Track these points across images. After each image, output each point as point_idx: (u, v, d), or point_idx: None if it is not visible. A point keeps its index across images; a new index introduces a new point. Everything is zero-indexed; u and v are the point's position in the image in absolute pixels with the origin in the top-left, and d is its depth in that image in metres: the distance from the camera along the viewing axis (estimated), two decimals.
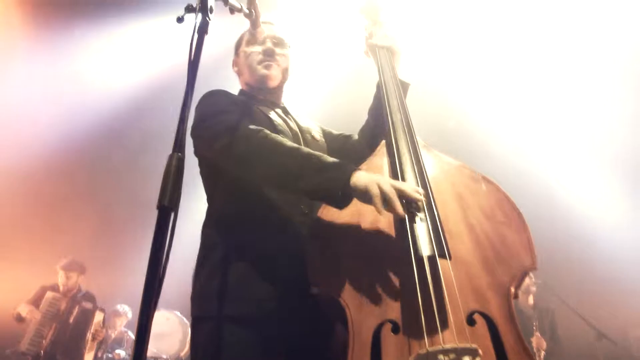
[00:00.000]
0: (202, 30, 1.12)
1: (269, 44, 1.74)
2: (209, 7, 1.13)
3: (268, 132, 1.45)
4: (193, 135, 1.55)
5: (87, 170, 5.77)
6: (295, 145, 1.41)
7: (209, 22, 1.14)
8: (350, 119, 2.07)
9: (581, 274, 4.63)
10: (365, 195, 1.27)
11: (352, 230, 1.39)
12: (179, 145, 1.08)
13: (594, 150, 4.88)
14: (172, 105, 1.15)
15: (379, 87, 1.80)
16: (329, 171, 1.32)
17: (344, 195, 1.30)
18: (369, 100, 1.89)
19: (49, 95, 5.21)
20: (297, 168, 1.34)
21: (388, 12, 1.95)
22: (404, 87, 1.79)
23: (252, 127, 1.45)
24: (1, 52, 5.04)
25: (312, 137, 1.76)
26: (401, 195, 1.27)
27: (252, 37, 1.69)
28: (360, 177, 1.29)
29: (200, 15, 1.13)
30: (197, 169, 1.72)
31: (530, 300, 4.32)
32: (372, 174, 1.32)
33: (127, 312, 5.32)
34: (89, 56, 5.06)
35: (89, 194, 5.84)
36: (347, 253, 1.37)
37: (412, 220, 1.33)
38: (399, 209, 1.25)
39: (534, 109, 5.07)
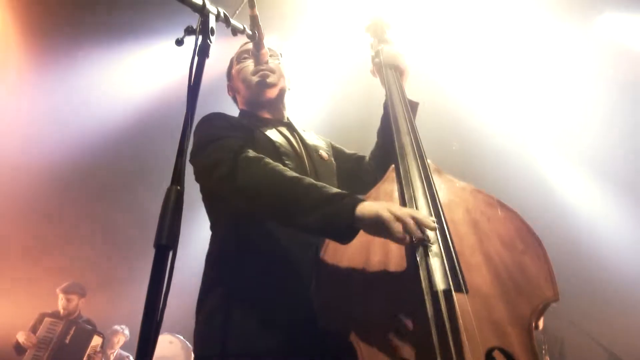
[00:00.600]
0: (203, 53, 1.05)
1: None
2: (210, 28, 1.06)
3: (268, 160, 1.37)
4: (191, 162, 1.48)
5: (88, 193, 5.69)
6: (296, 175, 1.33)
7: (210, 44, 1.07)
8: (361, 138, 2.01)
9: (592, 294, 4.51)
10: (375, 225, 1.19)
11: (361, 264, 1.30)
12: (177, 178, 1.01)
13: (606, 169, 4.81)
14: (178, 129, 1.08)
15: (386, 108, 1.73)
16: (331, 204, 1.23)
17: (349, 229, 1.22)
18: (379, 117, 1.81)
19: (51, 117, 5.17)
20: (297, 202, 1.27)
21: (394, 30, 1.89)
22: (412, 106, 1.71)
23: (251, 154, 1.38)
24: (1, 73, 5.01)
25: (319, 155, 1.67)
26: (415, 220, 1.20)
27: (255, 58, 1.63)
28: (367, 207, 1.21)
29: (200, 38, 1.05)
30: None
31: (540, 323, 4.20)
32: (378, 202, 1.24)
33: (124, 330, 5.21)
34: (94, 76, 5.02)
35: (91, 216, 5.76)
36: (356, 289, 1.28)
37: (425, 251, 1.24)
38: (417, 232, 1.19)
39: (540, 129, 5.01)
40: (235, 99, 1.84)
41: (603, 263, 4.64)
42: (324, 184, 1.31)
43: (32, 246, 5.46)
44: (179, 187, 1.00)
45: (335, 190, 1.28)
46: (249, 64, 1.71)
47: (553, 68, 4.66)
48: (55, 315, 4.61)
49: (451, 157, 4.49)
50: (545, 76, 4.72)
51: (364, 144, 1.84)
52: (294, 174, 1.33)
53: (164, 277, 0.94)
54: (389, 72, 1.76)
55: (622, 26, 4.42)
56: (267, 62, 1.67)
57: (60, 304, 4.65)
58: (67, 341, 4.46)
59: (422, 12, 4.35)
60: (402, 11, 4.04)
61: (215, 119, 1.58)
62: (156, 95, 5.01)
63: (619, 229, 4.71)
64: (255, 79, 1.68)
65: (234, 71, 1.78)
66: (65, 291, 4.67)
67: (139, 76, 5.08)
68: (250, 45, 1.66)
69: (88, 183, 5.58)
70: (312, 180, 1.32)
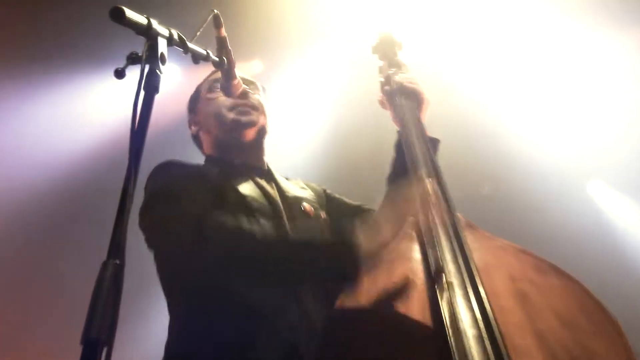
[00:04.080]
0: (151, 87, 0.87)
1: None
2: (159, 54, 0.89)
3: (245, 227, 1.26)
4: (140, 223, 1.32)
5: (39, 244, 5.55)
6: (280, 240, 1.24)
7: (161, 75, 0.89)
8: (368, 185, 1.79)
9: None
10: None
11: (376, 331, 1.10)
12: (115, 249, 0.82)
13: None
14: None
15: (399, 148, 1.53)
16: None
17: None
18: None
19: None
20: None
21: (408, 49, 1.70)
22: (433, 145, 1.51)
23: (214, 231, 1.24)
24: None
25: (303, 210, 1.48)
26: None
27: (225, 91, 1.44)
28: None
29: (147, 67, 0.88)
30: None
31: None
32: None
33: None
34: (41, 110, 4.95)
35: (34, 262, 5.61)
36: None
37: (460, 335, 1.02)
38: None
39: (595, 161, 4.61)
40: (196, 138, 1.64)
41: None
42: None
43: None
44: (117, 261, 0.82)
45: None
46: (224, 96, 1.52)
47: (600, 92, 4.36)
48: None
49: (481, 203, 4.05)
50: (595, 100, 4.40)
51: (372, 193, 1.62)
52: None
53: None
54: (403, 103, 1.57)
55: None
56: (245, 96, 1.49)
57: None
58: None
59: (441, 32, 4.12)
60: (420, 28, 3.75)
61: (170, 173, 1.40)
62: (115, 129, 4.83)
63: None
64: (231, 115, 1.51)
65: (201, 103, 1.60)
66: None
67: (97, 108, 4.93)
68: None
69: (41, 232, 5.43)
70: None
